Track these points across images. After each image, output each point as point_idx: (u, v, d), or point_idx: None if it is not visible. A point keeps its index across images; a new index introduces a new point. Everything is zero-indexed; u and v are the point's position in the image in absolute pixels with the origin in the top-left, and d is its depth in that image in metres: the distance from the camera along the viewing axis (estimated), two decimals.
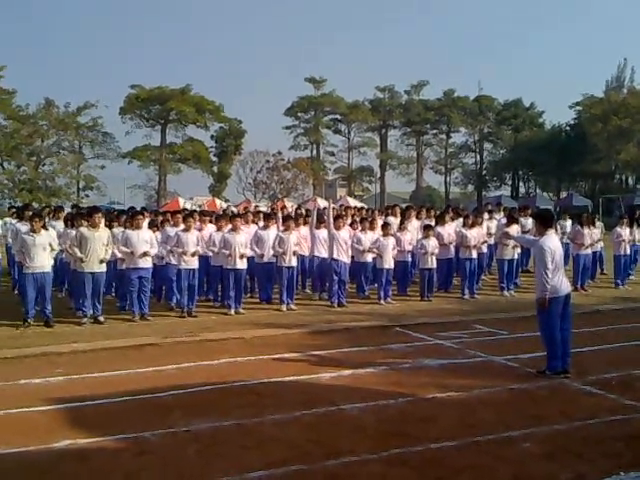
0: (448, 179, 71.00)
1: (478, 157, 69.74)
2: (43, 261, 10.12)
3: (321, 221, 13.09)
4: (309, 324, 10.41)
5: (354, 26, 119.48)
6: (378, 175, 69.73)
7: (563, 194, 61.51)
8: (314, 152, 66.91)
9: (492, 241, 14.77)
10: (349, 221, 13.93)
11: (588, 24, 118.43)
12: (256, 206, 26.90)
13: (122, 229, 11.38)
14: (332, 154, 69.17)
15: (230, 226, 11.75)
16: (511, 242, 13.13)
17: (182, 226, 11.49)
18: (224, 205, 30.59)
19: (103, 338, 9.25)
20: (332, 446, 5.21)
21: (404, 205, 19.46)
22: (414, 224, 14.41)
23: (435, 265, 13.13)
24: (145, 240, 10.78)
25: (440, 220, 14.10)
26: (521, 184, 70.82)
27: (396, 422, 5.85)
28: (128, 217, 11.69)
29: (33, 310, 10.15)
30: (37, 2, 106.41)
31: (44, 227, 10.44)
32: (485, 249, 14.52)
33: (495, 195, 56.84)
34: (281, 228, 12.34)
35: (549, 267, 7.20)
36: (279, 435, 5.50)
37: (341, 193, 61.93)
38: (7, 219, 15.38)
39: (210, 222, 12.83)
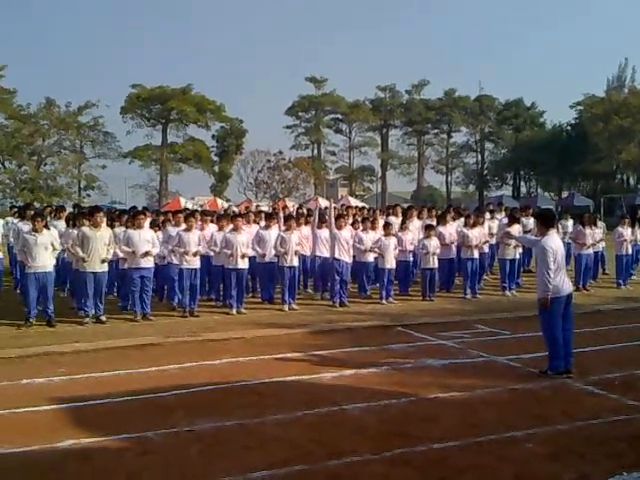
0: (449, 179, 70.97)
1: (479, 157, 69.69)
2: (45, 261, 10.12)
3: (323, 221, 13.09)
4: (311, 324, 10.42)
5: (354, 26, 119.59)
6: (379, 175, 69.72)
7: (564, 194, 61.46)
8: (315, 152, 66.88)
9: (494, 241, 14.76)
10: (350, 221, 13.93)
11: (589, 24, 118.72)
12: (257, 206, 26.89)
13: (124, 229, 11.39)
14: (333, 154, 69.21)
15: (231, 226, 11.75)
16: (513, 242, 13.13)
17: (183, 226, 11.49)
18: (225, 205, 30.62)
19: (105, 338, 9.26)
20: (334, 446, 5.21)
21: (405, 205, 19.47)
22: (415, 224, 14.42)
23: (437, 265, 13.13)
24: (147, 240, 10.79)
25: (441, 220, 14.09)
26: (522, 184, 70.82)
27: (398, 422, 5.85)
28: (130, 217, 11.70)
29: (35, 310, 10.16)
30: (37, 2, 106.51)
31: (46, 227, 10.45)
32: (487, 249, 14.51)
33: (496, 195, 56.79)
34: (282, 228, 12.34)
35: (551, 267, 7.19)
36: (281, 435, 5.50)
37: (342, 193, 61.80)
38: (9, 219, 15.41)
39: (211, 222, 12.84)
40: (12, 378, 7.21)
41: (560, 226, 15.20)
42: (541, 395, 6.75)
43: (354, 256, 12.81)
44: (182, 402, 6.42)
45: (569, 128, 63.73)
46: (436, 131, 69.45)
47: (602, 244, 15.77)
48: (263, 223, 12.87)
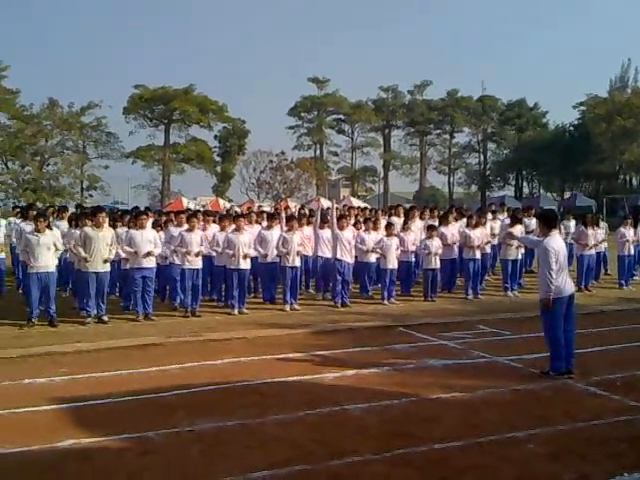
0: (451, 179, 70.98)
1: (482, 157, 69.69)
2: (47, 261, 10.13)
3: (325, 221, 13.09)
4: (313, 324, 10.42)
5: (354, 26, 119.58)
6: (381, 175, 69.71)
7: (567, 194, 61.32)
8: (317, 152, 66.94)
9: (496, 241, 14.74)
10: (352, 221, 13.92)
11: (591, 24, 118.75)
12: (259, 206, 26.89)
13: (126, 229, 11.39)
14: (335, 154, 69.24)
15: (234, 226, 11.76)
16: (515, 242, 13.11)
17: (186, 226, 11.50)
18: (227, 205, 30.62)
19: (107, 338, 9.27)
20: (336, 446, 5.21)
21: (407, 205, 19.43)
22: (417, 224, 14.41)
23: (439, 265, 13.12)
24: (149, 240, 10.80)
25: (444, 220, 14.09)
26: (525, 184, 70.79)
27: (400, 422, 5.85)
28: (132, 217, 11.70)
29: (37, 310, 10.17)
30: (37, 2, 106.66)
31: (48, 227, 10.45)
32: (489, 249, 14.49)
33: (499, 195, 56.69)
34: (285, 228, 12.34)
35: (553, 268, 7.18)
36: (282, 435, 5.51)
37: (344, 193, 61.83)
38: (11, 219, 15.41)
39: (214, 222, 12.86)
40: (14, 378, 7.22)
41: (562, 226, 15.15)
42: (542, 396, 6.74)
43: (356, 256, 12.81)
44: (183, 402, 6.42)
45: (572, 128, 63.70)
46: (438, 131, 69.49)
47: (604, 245, 15.73)
48: (265, 223, 12.87)
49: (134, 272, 10.75)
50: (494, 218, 15.54)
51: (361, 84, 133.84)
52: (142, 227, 10.91)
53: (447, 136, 69.60)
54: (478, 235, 13.48)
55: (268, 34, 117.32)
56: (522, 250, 13.84)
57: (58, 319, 10.24)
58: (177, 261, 11.34)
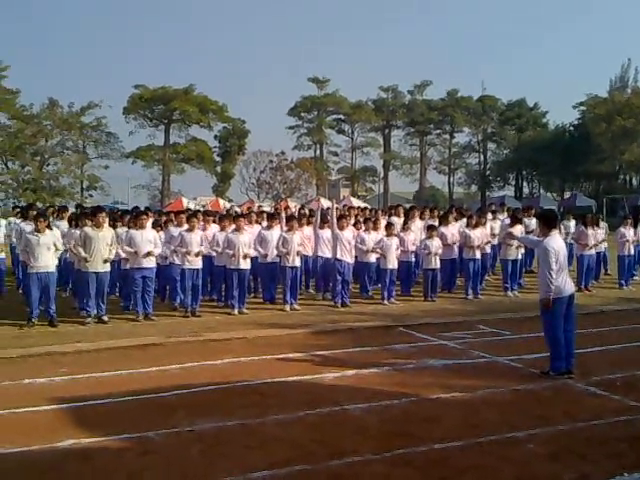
0: (451, 179, 70.98)
1: (482, 157, 69.69)
2: (47, 261, 10.13)
3: (325, 221, 13.10)
4: (313, 324, 10.42)
5: (354, 26, 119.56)
6: (381, 175, 69.72)
7: (567, 194, 61.32)
8: (317, 152, 66.95)
9: (496, 241, 14.75)
10: (352, 221, 13.92)
11: (591, 24, 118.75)
12: (259, 206, 26.90)
13: (126, 229, 11.39)
14: (335, 154, 69.24)
15: (234, 226, 11.77)
16: (515, 242, 13.11)
17: (186, 226, 11.50)
18: (227, 205, 30.62)
19: (107, 338, 9.27)
20: (336, 446, 5.21)
21: (407, 205, 19.44)
22: (417, 224, 14.41)
23: (439, 265, 13.13)
24: (149, 240, 10.80)
25: (444, 220, 14.09)
26: (525, 184, 70.80)
27: (400, 422, 5.85)
28: (132, 217, 11.71)
29: (37, 310, 10.17)
30: (37, 2, 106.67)
31: (48, 227, 10.45)
32: (489, 249, 14.49)
33: (499, 195, 56.69)
34: (285, 228, 12.34)
35: (553, 268, 7.18)
36: (282, 435, 5.51)
37: (344, 193, 61.85)
38: (11, 219, 15.42)
39: (214, 222, 12.86)
40: (14, 378, 7.22)
41: (562, 227, 15.15)
42: (542, 396, 6.75)
43: (356, 256, 12.82)
44: (183, 402, 6.42)
45: (572, 128, 63.71)
46: (438, 131, 69.49)
47: (604, 245, 15.73)
48: (265, 223, 12.87)
49: (134, 272, 10.75)
50: (494, 218, 15.54)
51: (361, 84, 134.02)
52: (142, 227, 10.92)
53: (447, 136, 69.62)
54: (478, 235, 13.48)
55: (268, 34, 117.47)
56: (522, 250, 13.84)
57: (58, 319, 10.24)
58: (177, 261, 11.34)
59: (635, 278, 15.68)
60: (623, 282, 14.81)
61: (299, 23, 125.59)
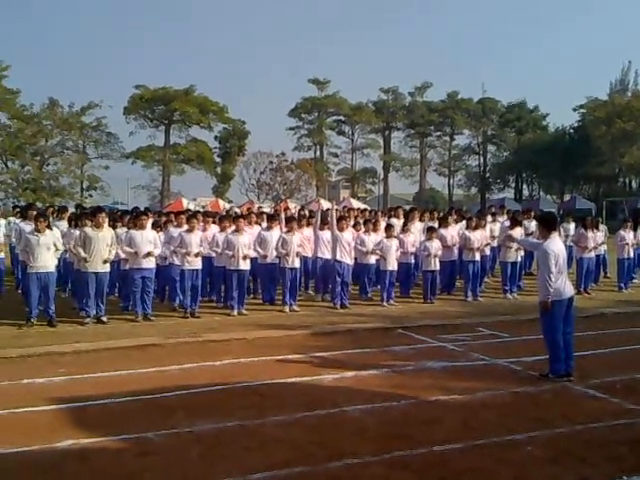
0: (451, 181, 70.94)
1: (482, 159, 69.65)
2: (47, 261, 10.13)
3: (324, 222, 13.10)
4: (312, 325, 10.42)
5: (354, 26, 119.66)
6: (381, 177, 69.65)
7: (567, 197, 61.28)
8: (317, 153, 66.88)
9: (495, 243, 14.75)
10: (352, 223, 13.93)
11: (591, 26, 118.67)
12: (259, 207, 26.90)
13: (126, 229, 11.40)
14: (335, 155, 69.15)
15: (233, 227, 11.76)
16: (514, 245, 13.11)
17: (185, 227, 11.51)
18: (227, 206, 30.62)
19: (106, 338, 9.26)
20: (334, 448, 5.21)
21: (407, 207, 19.46)
22: (417, 226, 14.42)
23: (438, 267, 13.13)
24: (149, 240, 10.80)
25: (443, 222, 14.09)
26: (524, 187, 70.73)
27: (398, 424, 5.85)
28: (132, 217, 11.71)
29: (36, 310, 10.17)
30: (37, 2, 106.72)
31: (48, 227, 10.45)
32: (488, 252, 14.50)
33: (498, 197, 56.73)
34: (284, 229, 12.34)
35: (552, 270, 7.19)
36: (282, 436, 5.51)
37: (344, 194, 61.88)
38: (11, 219, 15.43)
39: (213, 223, 12.85)
40: (13, 378, 7.23)
41: (562, 229, 15.18)
42: (541, 398, 6.74)
43: (355, 258, 12.82)
44: (183, 403, 6.42)
45: (572, 131, 63.67)
46: (438, 133, 69.47)
47: (604, 247, 15.73)
48: (265, 224, 12.88)
49: (134, 272, 10.75)
50: (494, 220, 15.55)
51: (361, 85, 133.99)
52: (142, 227, 10.92)
53: (447, 138, 69.58)
54: (478, 237, 13.49)
55: (268, 34, 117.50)
56: (521, 252, 13.84)
57: (57, 319, 10.24)
58: (177, 262, 11.34)
59: (634, 281, 15.67)
60: (622, 285, 14.82)
61: (299, 23, 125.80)
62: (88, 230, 10.48)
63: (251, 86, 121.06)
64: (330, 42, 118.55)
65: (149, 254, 10.69)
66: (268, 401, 6.48)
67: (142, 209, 15.78)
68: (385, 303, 12.48)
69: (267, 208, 26.43)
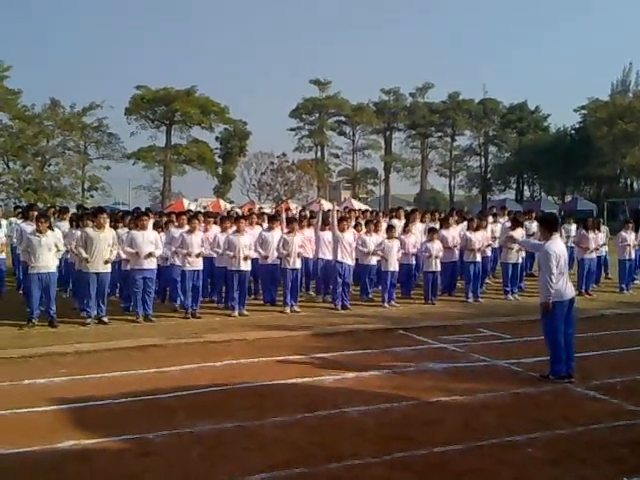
0: (453, 182, 70.85)
1: (483, 160, 69.61)
2: (48, 261, 10.14)
3: (326, 223, 13.09)
4: (313, 326, 10.42)
5: (354, 26, 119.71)
6: (382, 177, 69.63)
7: (568, 198, 61.32)
8: (318, 154, 66.82)
9: (496, 244, 14.75)
10: (353, 223, 13.93)
11: (593, 27, 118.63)
12: (260, 208, 26.91)
13: (127, 230, 11.41)
14: (337, 156, 69.07)
15: (234, 228, 11.77)
16: (515, 246, 13.10)
17: (187, 227, 11.52)
18: (228, 207, 30.64)
19: (107, 339, 9.27)
20: (335, 449, 5.21)
21: (408, 208, 19.45)
22: (418, 227, 14.40)
23: (439, 268, 13.13)
24: (150, 241, 10.80)
25: (444, 223, 14.08)
26: (526, 187, 70.73)
27: (399, 425, 5.85)
28: (133, 218, 11.73)
29: (38, 310, 10.17)
30: (38, 2, 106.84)
31: (50, 227, 10.46)
32: (489, 252, 14.50)
33: (500, 198, 56.79)
34: (285, 230, 12.34)
35: (554, 271, 7.19)
36: (282, 437, 5.51)
37: (345, 195, 61.87)
38: (12, 219, 15.44)
39: (215, 223, 12.86)
40: (14, 378, 7.23)
41: (563, 230, 15.16)
42: (542, 399, 6.74)
43: (357, 259, 12.82)
44: (183, 403, 6.43)
45: (573, 132, 63.63)
46: (440, 134, 69.42)
47: (605, 248, 15.73)
48: (266, 225, 12.89)
49: (135, 273, 10.76)
50: (495, 221, 15.55)
51: (362, 86, 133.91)
52: (143, 228, 10.92)
53: (448, 139, 69.53)
54: (479, 238, 13.49)
55: (268, 34, 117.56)
56: (523, 253, 13.83)
57: (58, 320, 10.25)
58: (178, 262, 11.35)
59: (636, 282, 15.66)
60: (624, 286, 14.80)
61: (299, 23, 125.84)
62: (89, 231, 10.49)
63: (252, 86, 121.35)
64: (330, 42, 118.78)
65: (150, 255, 10.69)
66: (269, 402, 6.48)
67: (143, 209, 15.80)
68: (386, 304, 12.48)
69: (268, 209, 26.45)
